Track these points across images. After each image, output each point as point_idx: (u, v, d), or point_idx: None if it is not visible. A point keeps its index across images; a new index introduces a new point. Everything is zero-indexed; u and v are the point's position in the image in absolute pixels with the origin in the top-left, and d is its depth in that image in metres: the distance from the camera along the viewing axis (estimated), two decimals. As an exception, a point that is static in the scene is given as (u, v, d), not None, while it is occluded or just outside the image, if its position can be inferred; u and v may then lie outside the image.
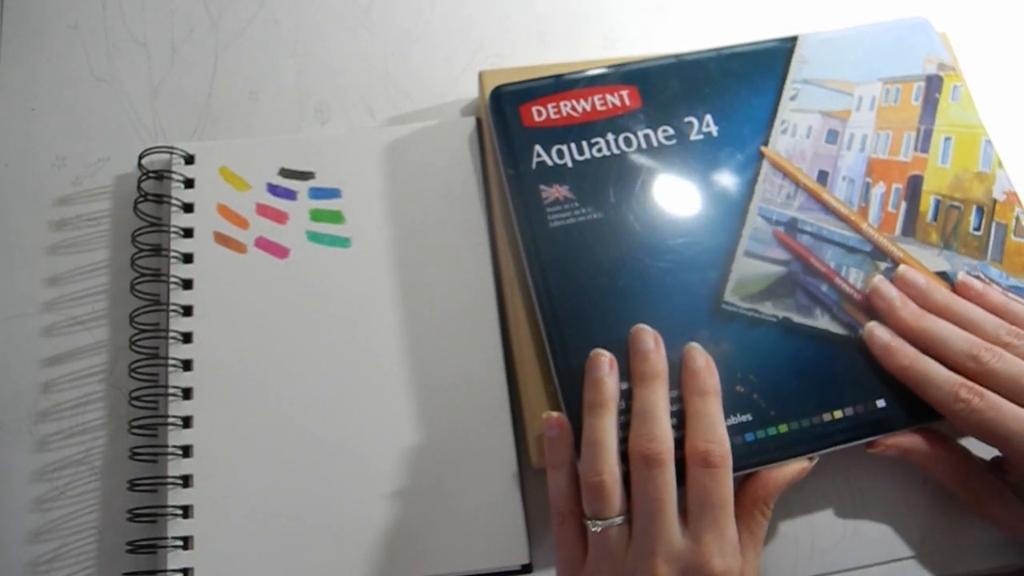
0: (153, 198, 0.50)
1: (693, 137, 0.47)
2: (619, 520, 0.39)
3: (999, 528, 0.44)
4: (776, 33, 0.51)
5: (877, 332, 0.44)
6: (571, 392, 0.42)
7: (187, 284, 0.48)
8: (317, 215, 0.50)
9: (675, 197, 0.46)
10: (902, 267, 0.46)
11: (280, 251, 0.49)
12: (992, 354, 0.41)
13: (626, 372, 0.42)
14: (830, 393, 0.43)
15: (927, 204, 0.48)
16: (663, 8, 0.59)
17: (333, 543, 0.44)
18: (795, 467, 0.42)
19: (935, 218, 0.47)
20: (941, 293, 0.45)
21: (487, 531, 0.45)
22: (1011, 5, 0.60)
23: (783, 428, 0.42)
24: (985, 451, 0.44)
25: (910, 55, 0.51)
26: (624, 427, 0.41)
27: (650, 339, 0.42)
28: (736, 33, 0.57)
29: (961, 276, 0.46)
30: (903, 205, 0.47)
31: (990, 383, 0.41)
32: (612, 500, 0.39)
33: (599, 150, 0.47)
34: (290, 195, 0.51)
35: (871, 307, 0.45)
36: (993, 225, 0.47)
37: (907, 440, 0.43)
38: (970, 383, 0.41)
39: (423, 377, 0.47)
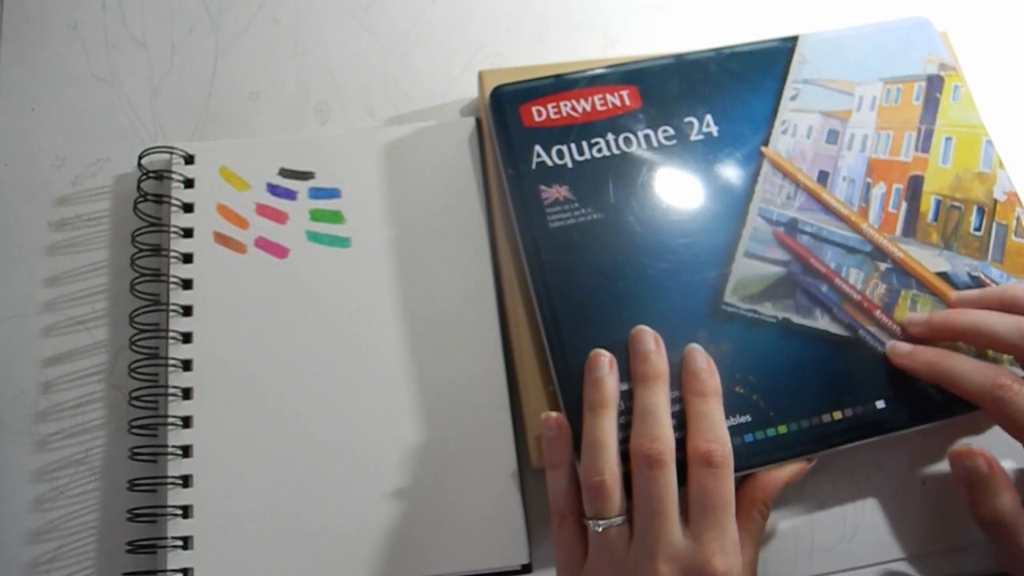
0: (153, 198, 0.50)
1: (693, 137, 0.47)
2: (620, 520, 0.39)
3: None
4: (776, 33, 0.51)
5: (898, 345, 0.44)
6: (570, 392, 0.42)
7: (187, 284, 0.48)
8: (317, 215, 0.50)
9: (675, 197, 0.46)
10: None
11: (280, 251, 0.49)
12: None
13: (626, 373, 0.42)
14: (830, 394, 0.43)
15: (928, 204, 0.47)
16: (663, 8, 0.59)
17: (333, 543, 0.44)
18: (794, 468, 0.42)
19: (936, 218, 0.47)
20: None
21: (487, 531, 0.45)
22: (1011, 5, 0.60)
23: (782, 429, 0.42)
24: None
25: (911, 55, 0.51)
26: (624, 427, 0.41)
27: (651, 340, 0.42)
28: (736, 33, 0.57)
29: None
30: (904, 205, 0.47)
31: None
32: (613, 500, 0.39)
33: (599, 150, 0.47)
34: (290, 195, 0.51)
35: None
36: (994, 225, 0.47)
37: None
38: (1007, 370, 0.41)
39: (423, 377, 0.47)
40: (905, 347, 0.44)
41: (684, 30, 0.58)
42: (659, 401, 0.41)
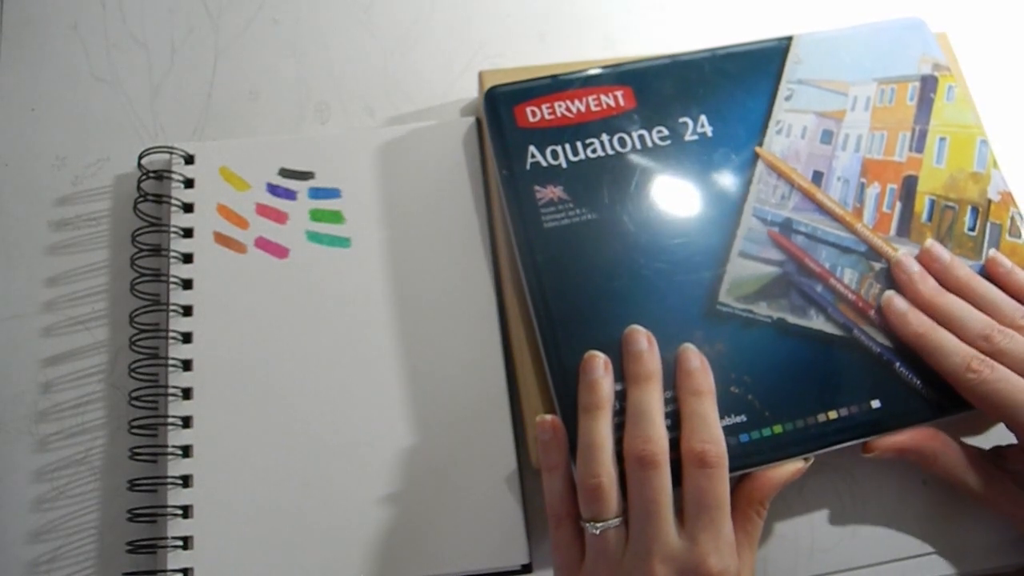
0: (153, 198, 0.51)
1: (688, 138, 0.47)
2: (617, 522, 0.39)
3: (1001, 514, 0.44)
4: (773, 33, 0.51)
5: (895, 300, 0.44)
6: (565, 393, 0.42)
7: (187, 284, 0.49)
8: (317, 215, 0.50)
9: (670, 198, 0.46)
10: (929, 241, 0.46)
11: (280, 251, 0.50)
12: (1004, 335, 0.42)
13: (621, 373, 0.42)
14: (825, 394, 0.43)
15: (922, 204, 0.48)
16: (663, 8, 0.59)
17: (333, 543, 0.44)
18: (791, 468, 0.42)
19: (930, 218, 0.47)
20: (964, 271, 0.45)
21: (487, 531, 0.45)
22: (1009, 6, 0.60)
23: (778, 429, 0.42)
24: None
25: (905, 55, 0.51)
26: (619, 428, 0.41)
27: (643, 339, 0.42)
28: (735, 33, 0.56)
29: (992, 252, 0.46)
30: (898, 205, 0.47)
31: (1000, 362, 0.41)
32: (610, 502, 0.39)
33: (593, 151, 0.47)
34: (290, 195, 0.51)
35: (893, 279, 0.45)
36: (988, 225, 0.48)
37: (902, 440, 0.43)
38: (982, 355, 0.42)
39: (423, 377, 0.47)
40: (901, 307, 0.44)
41: (684, 30, 0.58)
42: (652, 401, 0.41)
